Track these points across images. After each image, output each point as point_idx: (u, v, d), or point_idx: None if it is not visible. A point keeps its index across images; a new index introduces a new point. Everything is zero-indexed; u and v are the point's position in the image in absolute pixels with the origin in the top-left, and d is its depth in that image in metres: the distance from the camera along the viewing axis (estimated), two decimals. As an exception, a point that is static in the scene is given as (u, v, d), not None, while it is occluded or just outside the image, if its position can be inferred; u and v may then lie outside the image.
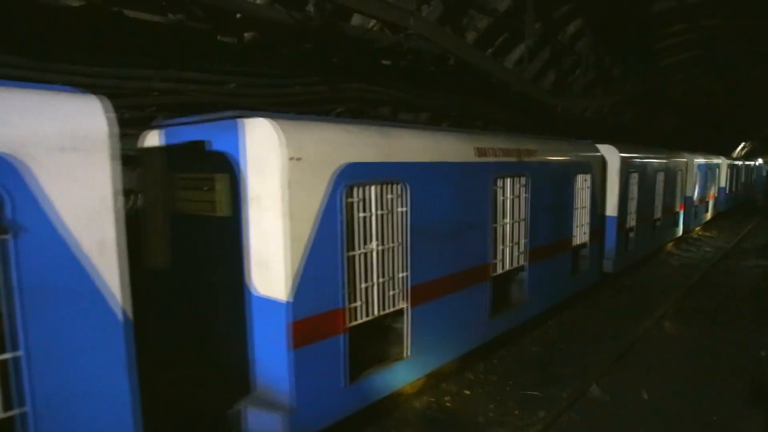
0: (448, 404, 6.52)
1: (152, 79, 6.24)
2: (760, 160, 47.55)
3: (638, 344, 8.72)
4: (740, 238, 21.05)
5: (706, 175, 21.85)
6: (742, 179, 33.63)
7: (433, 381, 6.72)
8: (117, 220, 3.20)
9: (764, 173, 48.91)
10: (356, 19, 8.43)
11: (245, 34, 7.11)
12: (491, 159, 6.99)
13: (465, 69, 9.77)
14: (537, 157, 8.15)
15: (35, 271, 2.94)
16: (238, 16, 6.44)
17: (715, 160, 24.40)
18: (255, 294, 4.81)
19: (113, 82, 5.88)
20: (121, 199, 3.23)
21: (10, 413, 2.90)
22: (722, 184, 26.02)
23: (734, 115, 30.05)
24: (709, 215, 23.38)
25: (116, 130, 3.16)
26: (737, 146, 48.31)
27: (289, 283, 4.56)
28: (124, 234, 3.25)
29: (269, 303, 4.70)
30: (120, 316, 3.24)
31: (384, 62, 9.33)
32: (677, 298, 11.48)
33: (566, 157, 9.29)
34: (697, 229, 21.28)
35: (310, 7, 7.53)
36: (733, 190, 30.28)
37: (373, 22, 8.12)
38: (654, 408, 6.65)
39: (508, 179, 7.48)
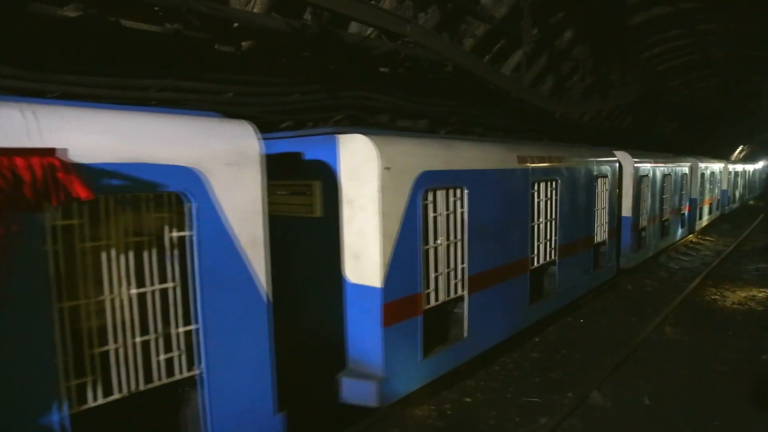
0: (448, 412, 6.49)
1: (150, 88, 6.26)
2: (760, 164, 47.58)
3: (639, 349, 8.68)
4: (740, 240, 21.05)
5: (710, 178, 22.84)
6: (742, 182, 33.88)
7: (434, 388, 6.69)
8: (264, 221, 4.20)
9: (764, 176, 48.99)
10: (354, 27, 8.45)
11: (243, 43, 7.12)
12: (529, 165, 7.95)
13: (463, 76, 9.80)
14: (565, 162, 9.07)
15: (209, 261, 3.85)
16: (236, 25, 6.45)
17: (717, 164, 25.35)
18: (349, 282, 5.65)
19: (111, 92, 5.89)
20: (266, 203, 4.21)
21: (192, 372, 3.86)
22: (724, 186, 27.00)
23: (732, 119, 30.13)
24: (712, 216, 24.21)
25: (264, 149, 4.19)
26: (736, 149, 48.39)
27: (382, 272, 5.44)
28: (268, 232, 4.24)
29: (363, 289, 5.59)
30: (265, 298, 4.24)
31: (382, 69, 9.36)
32: (679, 302, 11.43)
33: (588, 163, 10.10)
34: (700, 229, 21.86)
35: (308, 15, 7.55)
36: (734, 192, 30.77)
37: (370, 29, 8.14)
38: (655, 414, 6.61)
39: (543, 183, 8.40)
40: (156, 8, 5.59)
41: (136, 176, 3.45)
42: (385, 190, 5.40)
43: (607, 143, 14.32)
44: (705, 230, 22.63)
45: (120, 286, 3.54)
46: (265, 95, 7.70)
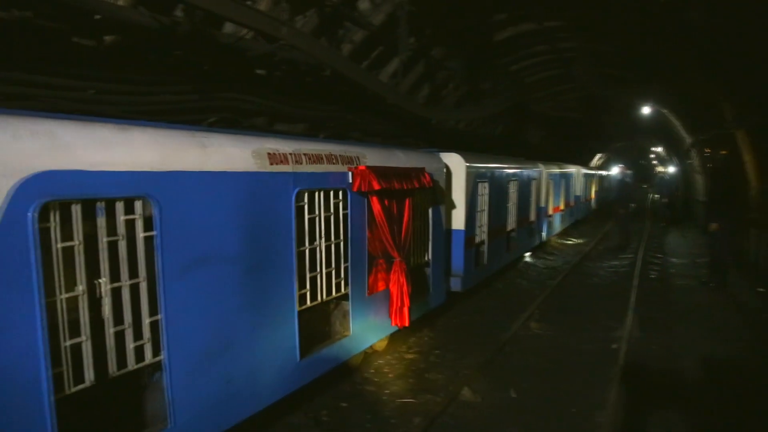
0: (324, 418, 6.47)
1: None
2: (614, 170, 52.05)
3: (507, 346, 9.20)
4: (596, 241, 22.91)
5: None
6: (596, 188, 36.57)
7: (310, 393, 6.66)
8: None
9: (616, 182, 53.47)
10: (229, 27, 8.23)
11: (106, 37, 6.68)
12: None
13: (341, 80, 9.84)
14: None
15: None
16: (97, 17, 6.05)
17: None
18: (452, 228, 10.95)
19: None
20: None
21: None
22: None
23: (591, 129, 32.77)
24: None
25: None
26: (594, 156, 52.69)
27: (464, 222, 11.01)
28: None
29: (457, 232, 11.02)
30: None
31: (258, 71, 9.18)
32: (542, 299, 12.25)
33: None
34: (555, 236, 22.37)
35: (179, 12, 7.25)
36: (589, 197, 32.73)
37: (246, 30, 7.97)
38: (521, 405, 7.03)
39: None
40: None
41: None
42: (467, 182, 11.01)
43: (483, 150, 14.99)
44: (562, 234, 24.12)
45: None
46: (132, 94, 7.28)
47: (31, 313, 3.46)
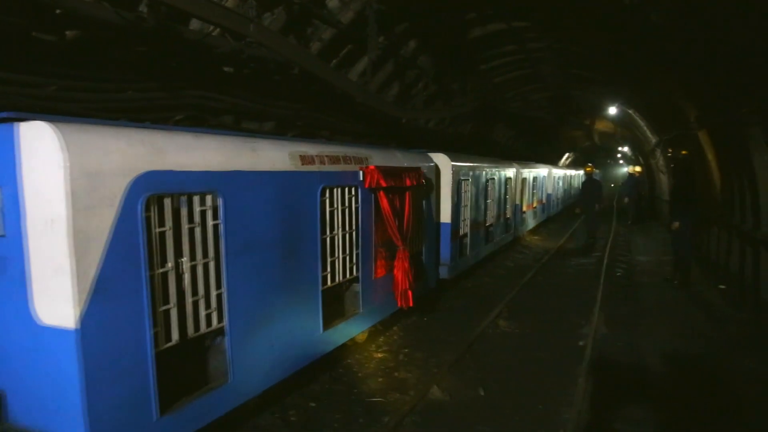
0: (293, 418, 6.43)
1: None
2: (582, 169, 52.91)
3: (476, 344, 9.26)
4: (565, 239, 23.25)
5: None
6: (566, 186, 37.19)
7: (279, 393, 6.61)
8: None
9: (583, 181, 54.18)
10: (196, 24, 8.11)
11: (67, 32, 6.52)
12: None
13: (310, 79, 9.79)
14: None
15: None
16: (58, 11, 5.90)
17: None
18: (440, 222, 11.89)
19: None
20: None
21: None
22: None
23: (559, 128, 33.23)
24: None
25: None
26: (563, 156, 53.44)
27: (450, 216, 12.08)
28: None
29: (445, 225, 11.99)
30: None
31: (226, 69, 9.08)
32: (511, 297, 12.37)
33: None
34: (527, 232, 22.96)
35: (143, 8, 7.11)
36: (559, 196, 33.37)
37: (213, 26, 7.86)
38: (489, 403, 7.09)
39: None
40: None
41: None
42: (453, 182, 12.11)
43: (449, 148, 15.06)
44: (533, 231, 24.54)
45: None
46: (95, 91, 7.12)
47: (140, 282, 4.38)
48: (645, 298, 12.61)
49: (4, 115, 4.01)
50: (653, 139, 24.29)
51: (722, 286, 13.08)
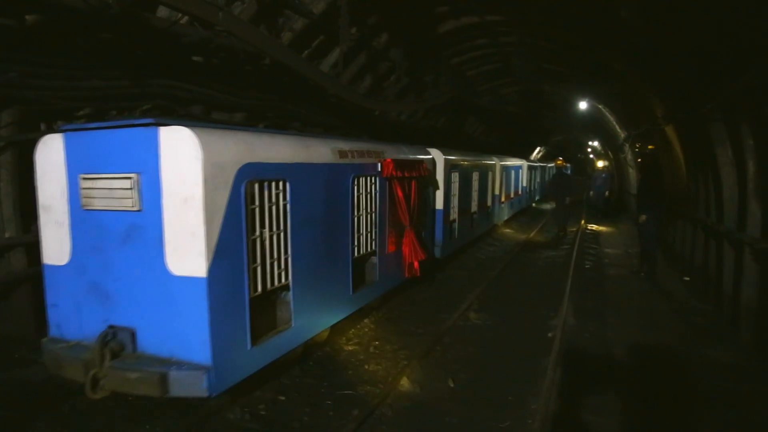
0: (262, 413, 6.37)
1: None
2: (553, 163, 53.55)
3: (446, 336, 9.30)
4: (535, 232, 23.52)
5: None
6: (539, 179, 37.79)
7: (248, 387, 6.55)
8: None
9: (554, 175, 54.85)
10: (163, 11, 7.94)
11: (27, 17, 6.33)
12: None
13: (281, 69, 9.68)
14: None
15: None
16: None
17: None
18: (435, 208, 13.13)
19: None
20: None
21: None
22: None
23: (530, 123, 33.55)
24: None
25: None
26: (534, 150, 53.98)
27: (443, 203, 13.58)
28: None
29: (438, 211, 13.28)
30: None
31: (195, 58, 8.92)
32: (481, 290, 12.46)
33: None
34: (503, 222, 23.57)
35: (108, -7, 6.92)
36: (533, 188, 34.10)
37: (181, 14, 7.71)
38: (459, 394, 7.12)
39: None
40: None
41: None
42: (444, 174, 13.41)
43: (421, 141, 15.10)
44: (507, 222, 24.84)
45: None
46: (57, 78, 6.94)
47: (241, 245, 5.69)
48: (612, 290, 12.82)
49: (149, 120, 5.25)
50: (622, 134, 24.68)
51: (687, 278, 13.38)
